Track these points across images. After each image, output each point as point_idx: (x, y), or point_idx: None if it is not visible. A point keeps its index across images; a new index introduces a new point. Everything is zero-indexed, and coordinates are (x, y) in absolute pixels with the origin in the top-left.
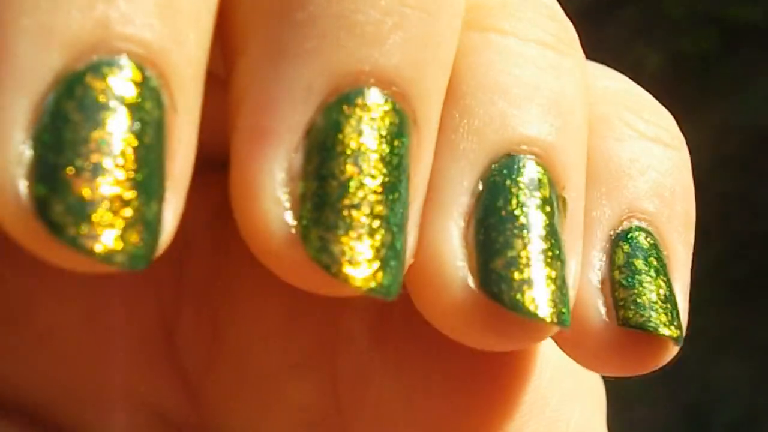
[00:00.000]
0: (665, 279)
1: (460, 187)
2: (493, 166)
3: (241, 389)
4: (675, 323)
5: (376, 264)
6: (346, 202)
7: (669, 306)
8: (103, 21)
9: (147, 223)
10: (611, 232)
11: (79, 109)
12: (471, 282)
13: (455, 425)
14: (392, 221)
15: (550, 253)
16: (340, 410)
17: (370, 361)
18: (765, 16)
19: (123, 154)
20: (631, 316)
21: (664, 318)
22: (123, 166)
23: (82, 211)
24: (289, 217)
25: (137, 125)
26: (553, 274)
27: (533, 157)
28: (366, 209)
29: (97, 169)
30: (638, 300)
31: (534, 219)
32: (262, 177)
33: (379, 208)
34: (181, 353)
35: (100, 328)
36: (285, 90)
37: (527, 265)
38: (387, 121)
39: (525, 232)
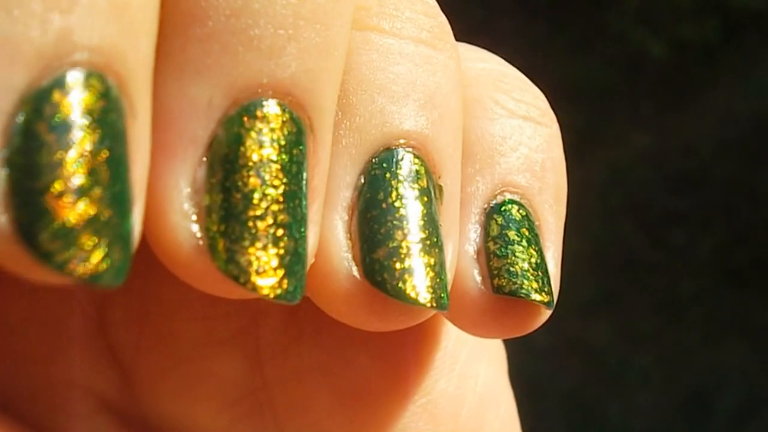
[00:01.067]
0: (537, 248)
1: (342, 181)
2: (373, 160)
3: (172, 370)
4: (546, 289)
5: (282, 272)
6: (251, 213)
7: (540, 273)
8: (62, 33)
9: (124, 237)
10: (485, 206)
11: (49, 130)
12: (355, 272)
13: (372, 388)
14: (294, 228)
15: (428, 242)
16: (265, 384)
17: (287, 334)
18: None
19: (97, 171)
20: (504, 284)
21: (535, 285)
22: (100, 184)
23: (69, 236)
24: (196, 229)
25: (107, 140)
26: (432, 261)
27: (410, 149)
28: (270, 219)
29: (76, 191)
30: (511, 269)
31: (413, 210)
32: (168, 191)
33: (282, 217)
34: (113, 338)
35: (41, 324)
36: (187, 105)
37: (408, 255)
38: (285, 131)
39: (405, 222)
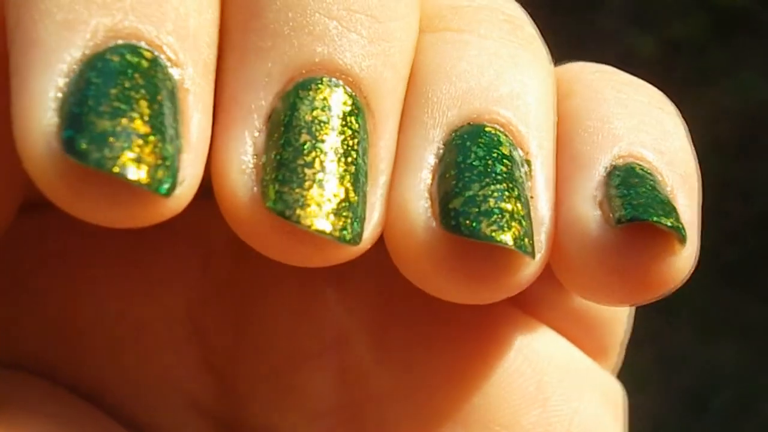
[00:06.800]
0: (663, 192)
1: (423, 151)
2: (454, 133)
3: (263, 379)
4: (677, 220)
5: (328, 208)
6: (300, 161)
7: (669, 208)
8: (122, 18)
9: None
10: (605, 169)
11: (99, 76)
12: (434, 224)
13: (454, 417)
14: (346, 179)
15: (508, 193)
16: (353, 401)
17: (371, 359)
18: (756, 1)
19: (141, 108)
20: (626, 213)
21: (664, 214)
22: (142, 117)
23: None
24: (253, 182)
25: (156, 90)
26: (512, 208)
27: (494, 125)
28: (318, 166)
29: (118, 112)
30: (633, 201)
31: (492, 167)
32: (229, 153)
33: (330, 166)
34: (209, 345)
35: (133, 321)
36: (248, 83)
37: (484, 202)
38: (340, 101)
39: (482, 177)
